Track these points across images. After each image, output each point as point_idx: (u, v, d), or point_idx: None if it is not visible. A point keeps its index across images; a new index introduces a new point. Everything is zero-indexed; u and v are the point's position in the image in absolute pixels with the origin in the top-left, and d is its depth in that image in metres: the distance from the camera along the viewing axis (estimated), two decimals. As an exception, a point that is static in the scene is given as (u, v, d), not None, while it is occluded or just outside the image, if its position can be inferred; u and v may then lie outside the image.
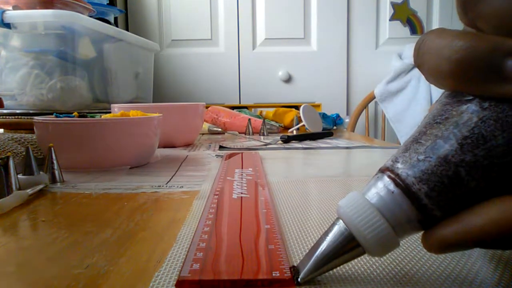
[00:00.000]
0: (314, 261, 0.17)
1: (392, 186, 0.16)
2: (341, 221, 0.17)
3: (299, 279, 0.17)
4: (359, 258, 0.20)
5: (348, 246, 0.16)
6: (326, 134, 0.87)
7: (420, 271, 0.19)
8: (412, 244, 0.22)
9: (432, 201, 0.15)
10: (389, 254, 0.20)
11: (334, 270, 0.18)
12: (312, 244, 0.18)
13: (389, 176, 0.16)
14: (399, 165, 0.16)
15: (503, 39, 0.14)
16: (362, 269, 0.19)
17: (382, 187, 0.16)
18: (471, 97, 0.15)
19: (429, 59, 0.15)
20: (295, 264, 0.19)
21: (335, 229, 0.17)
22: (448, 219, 0.15)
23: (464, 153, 0.15)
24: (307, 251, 0.18)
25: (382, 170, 0.17)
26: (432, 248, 0.16)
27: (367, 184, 0.17)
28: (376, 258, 0.20)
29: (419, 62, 0.16)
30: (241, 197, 0.31)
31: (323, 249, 0.17)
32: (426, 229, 0.16)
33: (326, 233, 0.17)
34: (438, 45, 0.15)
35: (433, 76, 0.16)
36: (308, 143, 0.74)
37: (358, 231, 0.16)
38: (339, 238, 0.17)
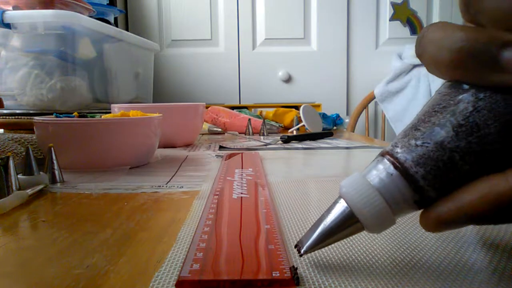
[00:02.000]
0: (316, 236, 0.18)
1: (391, 169, 0.17)
2: (342, 199, 0.18)
3: (301, 252, 0.18)
4: (360, 251, 0.20)
5: (348, 223, 0.18)
6: (326, 134, 0.87)
7: (419, 263, 0.19)
8: (411, 239, 0.22)
9: (428, 183, 0.16)
10: (388, 246, 0.21)
11: (334, 261, 0.19)
12: (317, 228, 0.19)
13: (388, 160, 0.17)
14: (398, 150, 0.17)
15: (500, 32, 0.15)
16: (362, 262, 0.19)
17: (382, 169, 0.17)
18: (467, 88, 0.16)
19: (430, 49, 0.16)
20: (295, 265, 0.19)
21: (337, 207, 0.18)
22: (443, 198, 0.16)
23: (459, 140, 0.16)
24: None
25: (382, 154, 0.18)
26: (429, 226, 0.17)
27: (368, 167, 0.18)
28: (376, 250, 0.20)
29: (420, 51, 0.17)
30: (241, 197, 0.31)
31: (325, 225, 0.18)
32: (421, 209, 0.17)
33: (328, 211, 0.18)
34: (439, 36, 0.16)
35: (433, 65, 0.17)
36: (308, 143, 0.74)
37: (358, 208, 0.17)
38: (340, 215, 0.18)
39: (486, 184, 0.15)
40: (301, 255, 0.18)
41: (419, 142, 0.17)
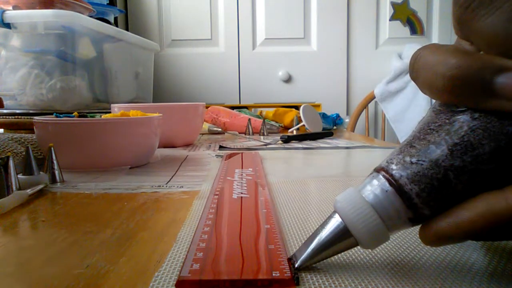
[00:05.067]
0: (311, 250, 0.18)
1: (386, 185, 0.17)
2: (337, 214, 0.18)
3: (296, 266, 0.18)
4: (360, 250, 0.21)
5: (342, 238, 0.18)
6: (326, 134, 0.87)
7: (419, 263, 0.19)
8: (411, 239, 0.22)
9: (422, 200, 0.16)
10: (389, 245, 0.21)
11: (334, 261, 0.19)
12: (312, 242, 0.19)
13: (383, 176, 0.17)
14: (393, 166, 0.17)
15: (493, 58, 0.15)
16: (362, 262, 0.19)
17: (376, 185, 0.17)
18: (463, 107, 0.16)
19: (424, 74, 0.17)
20: (295, 265, 0.19)
21: (332, 222, 0.18)
22: (442, 214, 0.16)
23: (453, 159, 0.16)
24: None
25: (378, 170, 0.18)
26: (429, 241, 0.17)
27: (363, 182, 0.18)
28: (377, 250, 0.20)
29: (414, 76, 0.17)
30: (241, 197, 0.31)
31: (319, 239, 0.18)
32: (414, 226, 0.17)
33: (322, 225, 0.19)
34: (432, 61, 0.16)
35: (428, 90, 0.17)
36: (308, 143, 0.74)
37: (352, 224, 0.17)
38: (335, 230, 0.18)
39: (485, 202, 0.15)
40: (296, 269, 0.18)
41: (414, 160, 0.17)
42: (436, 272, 0.18)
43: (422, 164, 0.16)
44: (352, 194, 0.18)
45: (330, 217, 0.19)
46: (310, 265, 0.19)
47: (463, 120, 0.16)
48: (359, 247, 0.18)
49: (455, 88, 0.15)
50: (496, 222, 0.15)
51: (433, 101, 0.18)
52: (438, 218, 0.17)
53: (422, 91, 0.17)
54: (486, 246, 0.21)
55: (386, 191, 0.17)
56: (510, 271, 0.18)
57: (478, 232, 0.16)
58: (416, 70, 0.17)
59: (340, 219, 0.18)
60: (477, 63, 0.15)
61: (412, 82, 1.29)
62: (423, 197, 0.16)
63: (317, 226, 0.19)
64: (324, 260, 0.19)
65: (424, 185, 0.16)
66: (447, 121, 0.17)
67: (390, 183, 0.17)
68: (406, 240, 0.22)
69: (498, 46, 0.15)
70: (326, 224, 0.18)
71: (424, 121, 0.18)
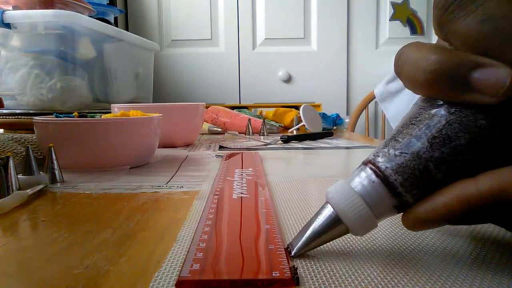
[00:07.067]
0: (306, 238, 0.20)
1: (373, 177, 0.18)
2: (329, 205, 0.19)
3: (292, 254, 0.20)
4: (360, 250, 0.21)
5: (334, 225, 0.19)
6: (326, 134, 0.87)
7: (417, 249, 0.20)
8: (410, 239, 0.22)
9: (405, 189, 0.18)
10: (389, 245, 0.21)
11: (334, 261, 0.19)
12: (306, 231, 0.20)
13: (370, 168, 0.19)
14: (379, 159, 0.19)
15: (469, 55, 0.16)
16: (362, 262, 0.19)
17: (364, 177, 0.19)
18: (441, 103, 0.18)
19: (407, 69, 0.18)
20: (295, 265, 0.19)
21: (324, 212, 0.20)
22: (421, 201, 0.18)
23: (433, 151, 0.17)
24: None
25: (365, 163, 0.19)
26: (409, 225, 0.18)
27: (352, 174, 0.20)
28: (376, 250, 0.20)
29: (398, 70, 0.18)
30: (241, 197, 0.31)
31: (314, 228, 0.20)
32: (399, 213, 0.19)
33: (316, 215, 0.20)
34: (414, 57, 0.17)
35: (410, 83, 0.18)
36: (308, 143, 0.74)
37: (343, 213, 0.19)
38: (327, 219, 0.19)
39: (458, 188, 0.17)
40: (292, 257, 0.20)
41: (397, 152, 0.18)
42: (432, 256, 0.20)
43: (405, 156, 0.18)
44: (342, 186, 0.19)
45: (322, 208, 0.20)
46: (305, 251, 0.20)
47: (441, 115, 0.17)
48: (358, 247, 0.18)
49: (435, 82, 0.17)
50: (468, 206, 0.16)
51: None
52: (417, 204, 0.18)
53: (405, 86, 0.18)
54: (477, 239, 0.22)
55: (373, 181, 0.18)
56: (497, 259, 0.20)
57: (453, 216, 0.17)
58: (400, 65, 0.18)
59: (332, 209, 0.19)
60: (455, 59, 0.16)
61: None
62: (406, 186, 0.18)
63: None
64: (324, 260, 0.19)
65: (407, 176, 0.17)
66: (426, 116, 0.18)
67: (377, 175, 0.18)
68: (405, 241, 0.22)
69: (473, 45, 0.16)
70: (319, 214, 0.20)
71: (407, 116, 0.19)
